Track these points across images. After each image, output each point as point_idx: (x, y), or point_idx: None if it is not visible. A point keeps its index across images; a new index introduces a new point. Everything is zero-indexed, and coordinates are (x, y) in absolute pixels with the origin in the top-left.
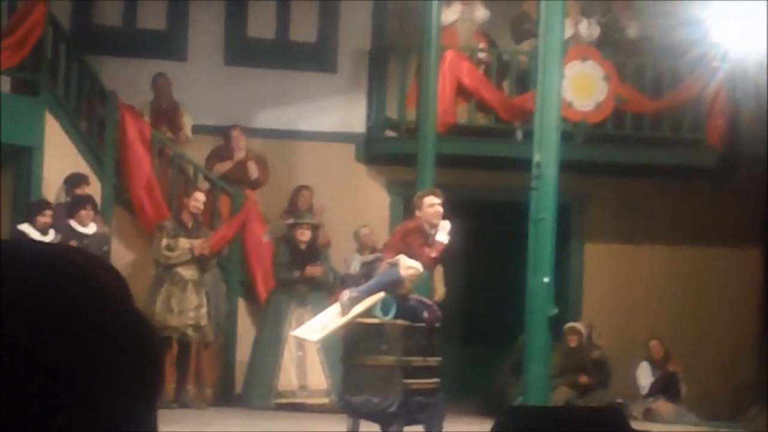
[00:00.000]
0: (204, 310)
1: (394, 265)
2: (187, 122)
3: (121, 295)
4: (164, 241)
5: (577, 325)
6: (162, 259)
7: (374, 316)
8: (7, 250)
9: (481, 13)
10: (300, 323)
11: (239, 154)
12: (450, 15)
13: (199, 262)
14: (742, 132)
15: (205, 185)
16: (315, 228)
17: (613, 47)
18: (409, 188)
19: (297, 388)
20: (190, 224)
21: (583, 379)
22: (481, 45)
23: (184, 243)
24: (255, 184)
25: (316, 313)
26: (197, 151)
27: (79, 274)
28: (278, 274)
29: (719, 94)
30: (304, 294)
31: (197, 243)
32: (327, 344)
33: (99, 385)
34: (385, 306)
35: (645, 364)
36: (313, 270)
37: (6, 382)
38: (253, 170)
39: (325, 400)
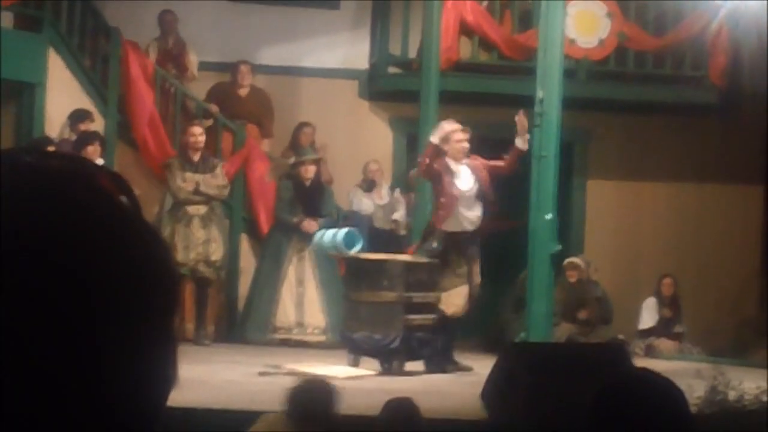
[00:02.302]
0: (214, 245)
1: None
2: (193, 60)
3: (132, 206)
4: (178, 178)
5: (576, 259)
6: (181, 193)
7: (338, 251)
8: (10, 159)
9: None
10: (300, 260)
11: (243, 91)
12: None
13: (207, 196)
14: (744, 69)
15: (208, 121)
16: (319, 164)
17: None
18: (413, 124)
19: (294, 325)
20: (195, 159)
21: (584, 315)
22: None
23: (190, 178)
24: (259, 121)
25: (317, 250)
26: (201, 88)
27: (89, 182)
28: (279, 213)
29: (721, 31)
30: (305, 232)
31: (204, 179)
32: (326, 281)
33: (111, 299)
34: (348, 239)
35: (652, 300)
36: (310, 226)
37: (15, 291)
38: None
39: (321, 337)
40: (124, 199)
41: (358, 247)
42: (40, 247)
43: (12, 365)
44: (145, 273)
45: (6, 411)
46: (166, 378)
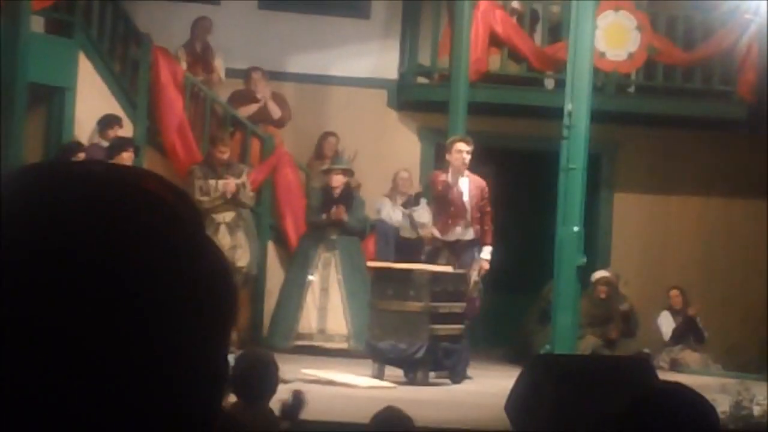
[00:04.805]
0: (240, 251)
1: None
2: (220, 65)
3: (196, 222)
4: (197, 185)
5: (608, 275)
6: (204, 200)
7: None
8: (75, 169)
9: None
10: (326, 267)
11: (260, 96)
12: None
13: (235, 202)
14: None
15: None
16: (348, 174)
17: None
18: (441, 135)
19: (316, 332)
20: (219, 167)
21: (610, 329)
22: None
23: (214, 185)
24: (278, 123)
25: (344, 257)
26: (227, 95)
27: (151, 195)
28: (309, 217)
29: (751, 47)
30: (332, 239)
31: (226, 184)
32: (351, 289)
33: (171, 305)
34: None
35: (666, 313)
36: (338, 212)
37: (79, 303)
38: (275, 109)
39: (344, 345)
40: (186, 212)
41: None
42: (107, 257)
43: (65, 368)
44: (204, 282)
45: (63, 413)
46: (221, 378)
